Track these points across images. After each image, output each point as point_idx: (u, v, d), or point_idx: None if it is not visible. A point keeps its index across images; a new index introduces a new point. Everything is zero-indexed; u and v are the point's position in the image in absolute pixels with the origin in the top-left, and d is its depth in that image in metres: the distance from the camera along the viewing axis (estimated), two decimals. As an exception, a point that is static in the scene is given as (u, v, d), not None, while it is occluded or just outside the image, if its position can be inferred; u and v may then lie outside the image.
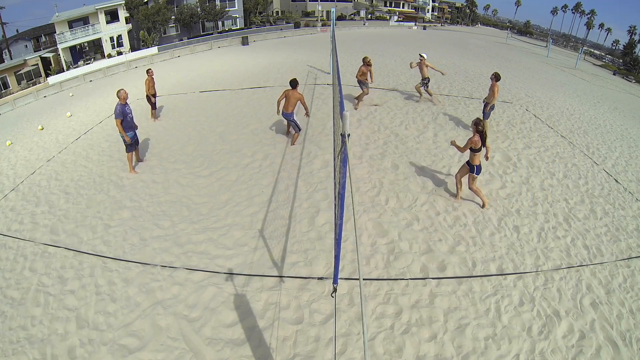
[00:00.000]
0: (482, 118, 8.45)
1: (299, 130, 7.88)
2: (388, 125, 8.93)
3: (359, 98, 10.00)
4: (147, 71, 9.96)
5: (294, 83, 7.30)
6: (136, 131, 7.13)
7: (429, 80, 10.44)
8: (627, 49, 56.66)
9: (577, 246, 5.24)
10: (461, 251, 4.94)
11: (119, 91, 6.70)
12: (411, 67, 10.66)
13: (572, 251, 5.12)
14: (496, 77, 8.12)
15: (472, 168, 5.59)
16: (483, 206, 5.91)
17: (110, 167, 7.66)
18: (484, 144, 5.43)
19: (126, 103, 6.76)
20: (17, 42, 36.83)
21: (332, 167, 6.19)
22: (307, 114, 8.20)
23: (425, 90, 10.69)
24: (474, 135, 5.40)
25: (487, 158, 5.86)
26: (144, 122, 10.32)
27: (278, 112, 7.64)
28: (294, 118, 7.59)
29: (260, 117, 9.75)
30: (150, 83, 9.81)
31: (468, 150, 5.52)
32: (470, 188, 5.85)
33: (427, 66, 9.97)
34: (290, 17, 49.10)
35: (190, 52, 28.85)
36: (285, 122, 8.22)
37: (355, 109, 9.96)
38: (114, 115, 6.73)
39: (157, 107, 10.45)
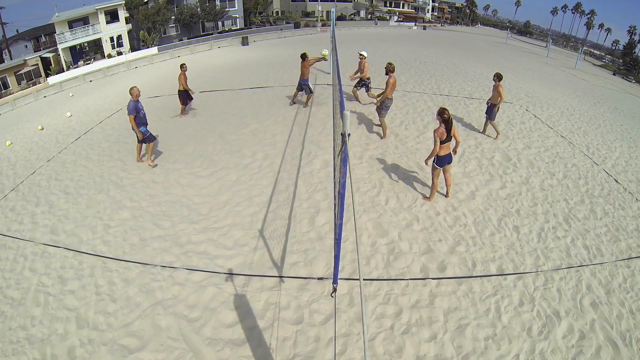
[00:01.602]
0: (490, 118, 8.42)
1: (311, 92, 9.93)
2: (388, 125, 8.92)
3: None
4: (181, 66, 9.70)
5: (303, 56, 9.46)
6: (147, 127, 7.32)
7: (369, 81, 9.80)
8: (627, 49, 56.71)
9: (577, 246, 5.24)
10: (461, 251, 4.94)
11: (132, 88, 6.98)
12: (351, 79, 9.85)
13: (572, 251, 5.12)
14: (499, 77, 8.11)
15: (436, 159, 5.48)
16: (429, 199, 5.93)
17: (110, 167, 7.66)
18: (449, 134, 5.35)
19: (138, 100, 7.02)
20: (17, 42, 36.85)
21: (332, 167, 6.20)
22: (323, 59, 10.29)
23: (367, 93, 9.97)
24: (439, 126, 5.32)
25: (455, 152, 5.74)
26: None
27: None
28: (308, 82, 9.76)
29: (260, 117, 9.75)
30: (184, 79, 9.61)
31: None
32: (433, 178, 5.78)
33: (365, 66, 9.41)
34: (290, 17, 49.11)
35: (190, 52, 28.86)
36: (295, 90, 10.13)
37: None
38: (127, 111, 6.95)
39: (187, 104, 10.31)
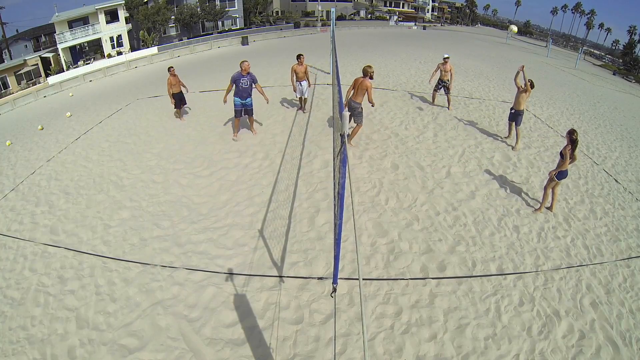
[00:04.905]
0: (516, 125, 8.05)
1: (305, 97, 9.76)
2: (388, 126, 8.93)
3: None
4: (169, 69, 9.53)
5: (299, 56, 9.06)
6: (245, 101, 7.84)
7: (449, 83, 10.03)
8: (627, 49, 56.65)
9: (577, 246, 5.24)
10: (461, 251, 4.94)
11: (242, 62, 7.52)
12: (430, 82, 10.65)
13: (572, 251, 5.12)
14: (531, 85, 7.59)
15: (559, 174, 5.60)
16: (550, 209, 5.96)
17: (110, 167, 7.66)
18: (573, 153, 5.50)
19: (247, 74, 7.58)
20: (17, 42, 36.81)
21: (332, 167, 6.19)
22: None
23: (435, 94, 10.45)
24: (568, 144, 5.42)
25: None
26: (144, 122, 10.32)
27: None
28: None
29: (260, 116, 9.73)
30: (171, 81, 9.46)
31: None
32: (546, 188, 5.87)
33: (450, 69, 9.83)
34: (290, 17, 49.09)
35: (190, 52, 28.88)
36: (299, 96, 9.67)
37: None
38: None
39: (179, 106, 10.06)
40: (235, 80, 7.55)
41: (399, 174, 6.74)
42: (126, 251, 5.09)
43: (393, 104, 10.57)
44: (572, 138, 5.42)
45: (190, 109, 10.77)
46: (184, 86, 9.91)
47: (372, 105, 7.21)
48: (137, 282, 4.50)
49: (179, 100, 9.85)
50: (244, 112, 8.08)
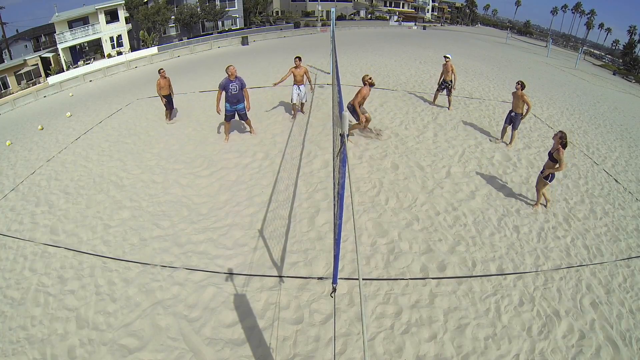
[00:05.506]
0: (513, 128, 8.03)
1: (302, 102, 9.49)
2: (388, 126, 8.93)
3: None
4: (159, 71, 9.58)
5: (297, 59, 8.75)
6: (238, 106, 7.72)
7: (452, 84, 9.90)
8: (627, 49, 56.64)
9: (577, 246, 5.24)
10: (461, 251, 4.94)
11: (228, 67, 7.37)
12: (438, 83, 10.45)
13: (572, 251, 5.12)
14: (522, 86, 7.61)
15: (548, 176, 5.66)
16: (546, 205, 6.10)
17: (110, 167, 7.66)
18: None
19: (235, 78, 7.41)
20: (17, 42, 36.81)
21: (332, 167, 6.18)
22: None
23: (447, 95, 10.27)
24: (561, 149, 5.45)
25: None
26: (144, 122, 10.33)
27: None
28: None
29: (260, 116, 9.74)
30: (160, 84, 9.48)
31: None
32: (538, 190, 5.98)
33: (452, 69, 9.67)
34: (290, 17, 49.09)
35: (190, 52, 28.88)
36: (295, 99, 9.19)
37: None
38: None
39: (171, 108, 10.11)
40: (224, 87, 7.37)
41: (399, 174, 6.74)
42: (126, 251, 5.09)
43: (393, 104, 10.57)
44: (564, 142, 5.41)
45: (177, 111, 10.74)
46: (172, 91, 9.81)
47: (359, 118, 7.39)
48: (137, 282, 4.50)
49: (169, 102, 9.83)
50: (237, 117, 7.98)
